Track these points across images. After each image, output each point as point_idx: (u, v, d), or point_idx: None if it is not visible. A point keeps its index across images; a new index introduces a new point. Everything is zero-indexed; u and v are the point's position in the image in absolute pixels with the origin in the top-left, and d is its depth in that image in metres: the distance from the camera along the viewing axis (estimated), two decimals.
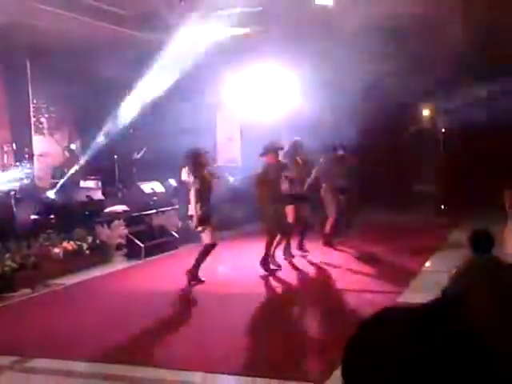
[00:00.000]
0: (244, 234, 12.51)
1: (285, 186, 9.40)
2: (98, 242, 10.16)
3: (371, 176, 14.03)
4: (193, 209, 8.35)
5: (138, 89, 12.60)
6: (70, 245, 9.61)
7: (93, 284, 8.89)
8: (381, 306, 0.90)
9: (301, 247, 10.33)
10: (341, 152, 11.12)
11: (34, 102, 12.83)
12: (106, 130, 12.75)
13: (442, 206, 14.18)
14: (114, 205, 11.87)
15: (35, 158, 12.48)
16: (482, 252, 4.61)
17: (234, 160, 15.48)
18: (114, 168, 13.14)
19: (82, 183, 12.58)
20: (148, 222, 11.52)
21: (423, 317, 0.86)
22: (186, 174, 8.52)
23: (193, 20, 10.68)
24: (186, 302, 7.86)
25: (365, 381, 0.84)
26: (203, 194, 8.38)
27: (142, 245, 10.55)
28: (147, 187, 12.29)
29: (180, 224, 11.68)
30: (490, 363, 0.82)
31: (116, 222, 10.79)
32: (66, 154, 13.28)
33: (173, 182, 12.87)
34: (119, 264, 10.17)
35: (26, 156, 12.17)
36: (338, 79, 12.45)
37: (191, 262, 8.45)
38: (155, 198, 12.11)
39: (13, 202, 10.11)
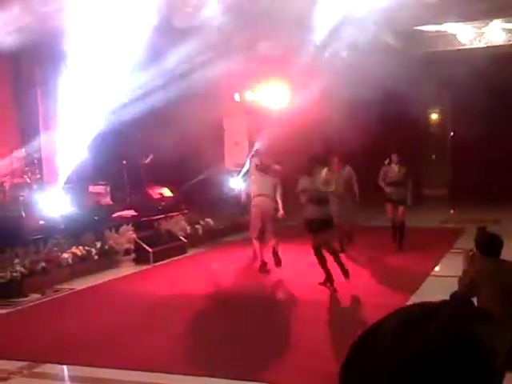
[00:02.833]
0: None
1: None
2: (106, 247, 10.18)
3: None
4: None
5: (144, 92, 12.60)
6: (78, 250, 9.64)
7: (102, 289, 8.91)
8: (388, 311, 0.90)
9: None
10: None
11: (43, 107, 12.86)
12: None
13: (452, 210, 14.12)
14: (122, 210, 11.89)
15: (44, 163, 12.50)
16: (491, 255, 4.60)
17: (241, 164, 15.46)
18: (123, 173, 13.17)
19: (91, 188, 12.60)
20: (156, 227, 11.53)
21: (423, 315, 0.85)
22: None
23: None
24: (197, 306, 7.84)
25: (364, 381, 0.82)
26: None
27: (150, 250, 10.57)
28: (155, 192, 12.30)
29: (188, 229, 11.70)
30: (491, 364, 0.82)
31: (124, 226, 10.81)
32: (75, 159, 13.30)
33: None
34: (128, 269, 10.19)
35: (35, 161, 12.20)
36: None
37: (200, 266, 8.45)
38: (163, 202, 12.13)
39: (22, 207, 10.15)
